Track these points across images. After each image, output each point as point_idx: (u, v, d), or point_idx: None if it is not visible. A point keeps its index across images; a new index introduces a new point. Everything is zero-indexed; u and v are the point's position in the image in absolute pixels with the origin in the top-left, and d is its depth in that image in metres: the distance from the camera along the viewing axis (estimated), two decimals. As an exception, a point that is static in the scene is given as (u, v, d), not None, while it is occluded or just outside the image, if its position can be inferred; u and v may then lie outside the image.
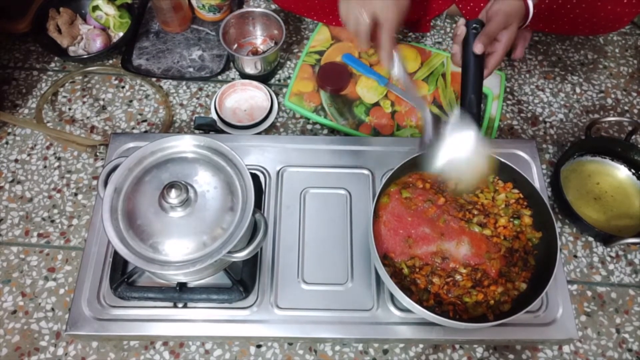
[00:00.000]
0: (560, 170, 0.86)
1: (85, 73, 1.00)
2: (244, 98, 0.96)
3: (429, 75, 0.95)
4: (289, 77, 1.01)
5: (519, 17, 0.70)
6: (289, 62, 1.03)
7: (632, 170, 0.89)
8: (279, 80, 1.01)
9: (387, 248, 0.69)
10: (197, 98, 0.98)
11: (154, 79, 0.99)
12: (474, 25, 0.69)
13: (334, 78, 0.93)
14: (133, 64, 1.01)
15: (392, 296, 0.70)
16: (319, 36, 0.99)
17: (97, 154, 0.91)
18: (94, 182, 0.88)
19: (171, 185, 0.60)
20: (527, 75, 1.03)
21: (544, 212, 0.69)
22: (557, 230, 0.67)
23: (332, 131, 0.94)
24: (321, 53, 0.97)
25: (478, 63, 0.68)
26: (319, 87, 0.93)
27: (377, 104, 0.92)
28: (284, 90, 0.98)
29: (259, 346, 0.75)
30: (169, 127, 0.94)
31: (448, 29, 1.08)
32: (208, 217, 0.62)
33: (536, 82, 1.02)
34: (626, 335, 0.78)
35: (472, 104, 0.70)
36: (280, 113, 0.96)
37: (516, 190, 0.73)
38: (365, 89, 0.93)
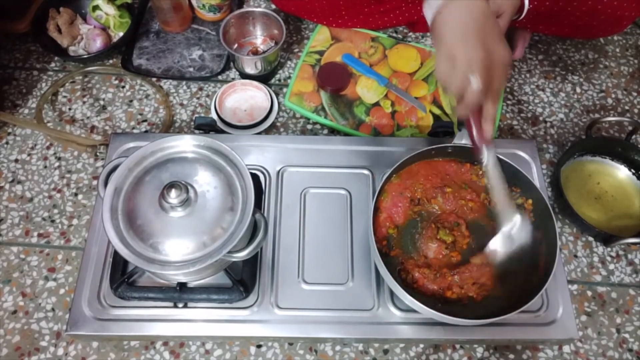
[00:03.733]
0: (561, 170, 0.86)
1: (86, 73, 1.00)
2: (244, 98, 0.96)
3: (429, 75, 0.95)
4: (289, 77, 1.01)
5: (511, 6, 0.70)
6: (289, 62, 1.03)
7: (632, 170, 0.89)
8: (279, 80, 1.01)
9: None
10: (197, 98, 0.98)
11: (154, 79, 0.99)
12: None
13: (334, 78, 0.93)
14: (133, 64, 1.01)
15: (392, 296, 0.70)
16: (319, 36, 0.99)
17: (97, 153, 0.91)
18: (94, 182, 0.88)
19: (171, 185, 0.60)
20: (528, 75, 1.03)
21: (544, 212, 0.69)
22: (557, 230, 0.67)
23: (332, 131, 0.94)
24: (321, 53, 0.97)
25: None
26: (319, 87, 0.93)
27: (377, 104, 0.92)
28: (284, 90, 0.98)
29: (259, 346, 0.75)
30: (169, 127, 0.94)
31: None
32: (208, 217, 0.62)
33: (536, 82, 1.02)
34: (626, 335, 0.78)
35: None
36: (281, 113, 0.96)
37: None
38: (365, 89, 0.93)
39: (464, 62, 0.57)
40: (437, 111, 0.91)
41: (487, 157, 0.63)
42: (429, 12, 0.62)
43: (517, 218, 0.65)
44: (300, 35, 1.07)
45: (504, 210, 0.65)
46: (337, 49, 0.98)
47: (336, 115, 0.91)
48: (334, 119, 0.91)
